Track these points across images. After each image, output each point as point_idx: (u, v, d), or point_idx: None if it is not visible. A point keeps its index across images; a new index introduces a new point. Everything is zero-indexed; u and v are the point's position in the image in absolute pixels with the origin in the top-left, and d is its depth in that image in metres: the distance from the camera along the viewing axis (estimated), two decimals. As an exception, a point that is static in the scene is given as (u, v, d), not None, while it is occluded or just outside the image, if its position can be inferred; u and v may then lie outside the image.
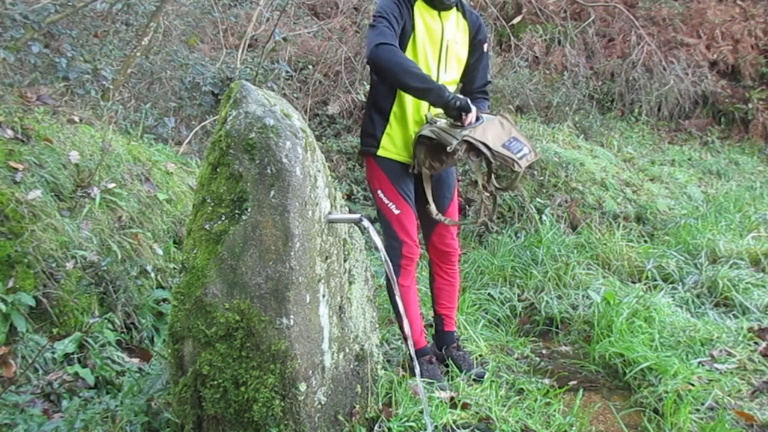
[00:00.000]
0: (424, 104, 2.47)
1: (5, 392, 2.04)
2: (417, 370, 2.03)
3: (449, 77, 2.54)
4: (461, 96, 2.32)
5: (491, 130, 2.29)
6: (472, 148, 2.25)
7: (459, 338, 2.93)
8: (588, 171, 5.58)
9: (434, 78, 2.45)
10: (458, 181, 4.68)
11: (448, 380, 2.61)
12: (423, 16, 2.43)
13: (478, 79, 2.66)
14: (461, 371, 2.67)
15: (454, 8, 2.51)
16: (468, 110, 2.27)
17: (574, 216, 5.07)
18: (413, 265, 2.57)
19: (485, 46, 2.63)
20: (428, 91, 2.28)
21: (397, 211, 2.49)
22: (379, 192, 2.54)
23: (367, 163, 2.59)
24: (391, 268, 2.13)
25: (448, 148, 2.23)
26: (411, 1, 2.42)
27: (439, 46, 2.46)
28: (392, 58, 2.26)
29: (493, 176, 2.43)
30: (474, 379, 2.63)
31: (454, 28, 2.52)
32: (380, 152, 2.52)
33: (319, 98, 6.55)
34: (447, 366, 2.77)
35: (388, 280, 2.58)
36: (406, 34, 2.40)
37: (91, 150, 3.02)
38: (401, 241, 2.50)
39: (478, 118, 2.33)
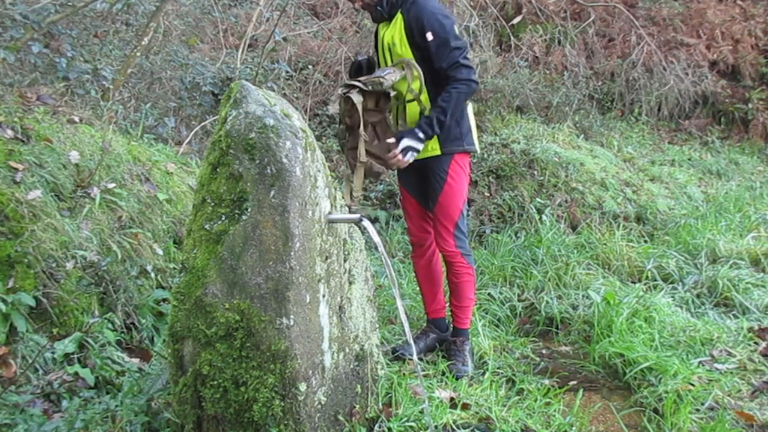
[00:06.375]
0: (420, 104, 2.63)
1: (5, 392, 2.04)
2: (418, 370, 2.03)
3: None
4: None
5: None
6: (353, 86, 2.51)
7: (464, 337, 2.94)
8: (588, 171, 5.58)
9: None
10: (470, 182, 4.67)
11: (447, 380, 2.61)
12: (381, 31, 2.71)
13: (436, 62, 2.53)
14: (449, 362, 2.78)
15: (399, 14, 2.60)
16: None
17: (574, 216, 5.07)
18: (416, 247, 2.92)
19: (428, 34, 2.50)
20: None
21: (402, 197, 2.93)
22: None
23: None
24: (390, 266, 2.14)
25: (340, 90, 2.52)
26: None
27: (381, 52, 2.71)
28: None
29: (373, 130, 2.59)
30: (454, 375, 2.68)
31: (391, 30, 2.63)
32: None
33: (319, 98, 6.55)
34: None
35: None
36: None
37: (91, 150, 3.01)
38: (406, 223, 2.96)
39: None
